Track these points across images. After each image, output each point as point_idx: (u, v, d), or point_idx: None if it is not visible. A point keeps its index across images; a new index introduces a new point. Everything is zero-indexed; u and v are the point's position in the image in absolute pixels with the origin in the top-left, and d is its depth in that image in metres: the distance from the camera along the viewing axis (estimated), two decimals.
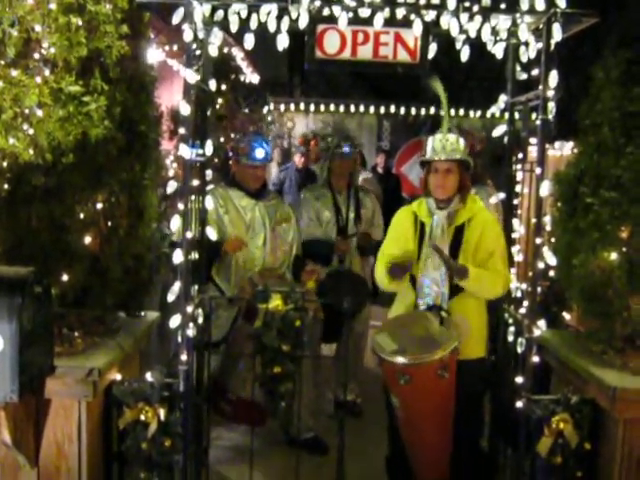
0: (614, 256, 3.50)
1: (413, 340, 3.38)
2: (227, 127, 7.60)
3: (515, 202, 3.87)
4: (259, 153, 4.43)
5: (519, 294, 3.70)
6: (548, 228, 3.74)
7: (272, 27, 3.30)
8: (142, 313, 3.93)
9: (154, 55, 3.87)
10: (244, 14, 3.30)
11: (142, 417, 3.30)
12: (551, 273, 3.99)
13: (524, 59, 3.49)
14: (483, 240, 3.50)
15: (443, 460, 3.56)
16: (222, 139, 7.32)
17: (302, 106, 11.26)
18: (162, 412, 3.30)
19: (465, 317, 3.46)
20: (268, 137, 7.51)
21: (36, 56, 3.20)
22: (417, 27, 3.31)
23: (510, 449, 3.60)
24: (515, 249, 3.76)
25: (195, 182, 3.38)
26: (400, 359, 3.29)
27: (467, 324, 3.47)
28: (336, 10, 3.27)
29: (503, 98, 3.79)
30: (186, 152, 3.25)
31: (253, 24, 3.29)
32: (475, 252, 3.50)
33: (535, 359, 3.36)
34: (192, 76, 3.28)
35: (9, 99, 3.12)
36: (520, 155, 3.82)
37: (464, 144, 3.56)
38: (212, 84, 3.60)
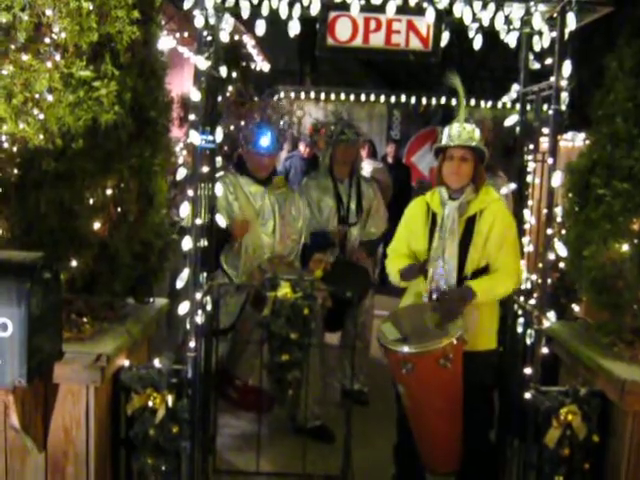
0: (625, 248, 3.47)
1: (417, 330, 3.38)
2: (240, 114, 7.58)
3: (526, 193, 3.84)
4: (264, 141, 4.43)
5: (529, 285, 3.68)
6: (559, 219, 3.72)
7: (284, 14, 3.29)
8: (151, 299, 3.93)
9: (165, 42, 3.85)
10: (255, 0, 3.29)
11: (150, 403, 3.31)
12: (561, 264, 3.97)
13: (537, 48, 3.45)
14: (493, 232, 3.48)
15: (452, 451, 3.56)
16: (232, 127, 7.31)
17: (312, 95, 11.22)
18: (170, 398, 3.30)
19: (474, 308, 3.45)
20: (279, 125, 7.45)
21: (47, 41, 3.19)
22: (430, 15, 3.28)
23: (518, 440, 3.59)
24: (525, 240, 3.74)
25: (205, 169, 3.37)
26: (402, 348, 3.29)
27: (476, 315, 3.45)
28: None
29: (515, 88, 3.76)
30: (196, 139, 3.25)
31: (264, 10, 3.28)
32: (485, 244, 3.48)
33: (544, 350, 3.35)
34: (203, 63, 3.26)
35: (19, 84, 3.12)
36: (531, 146, 3.79)
37: (480, 135, 3.54)
38: (223, 71, 3.58)
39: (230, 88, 7.34)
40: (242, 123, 7.16)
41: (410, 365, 3.26)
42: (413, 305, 3.61)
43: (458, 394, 3.40)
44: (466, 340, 3.32)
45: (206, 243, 3.47)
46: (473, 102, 10.79)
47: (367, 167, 7.48)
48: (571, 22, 3.18)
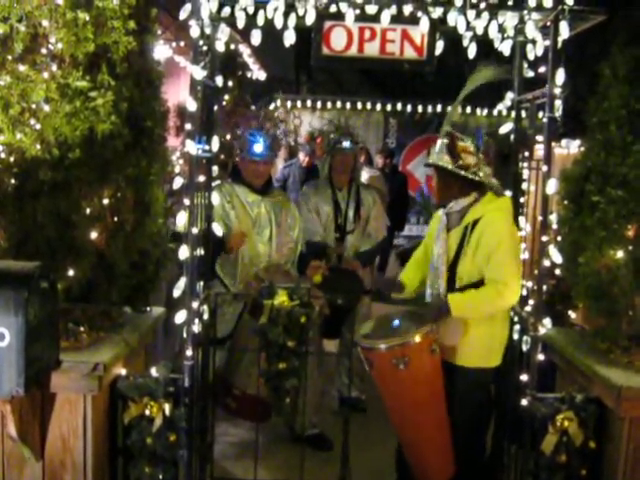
0: (620, 254, 3.49)
1: (386, 330, 3.46)
2: (236, 123, 7.61)
3: (522, 200, 3.85)
4: (257, 147, 4.44)
5: (525, 292, 3.69)
6: (554, 226, 3.73)
7: (279, 23, 3.30)
8: (148, 308, 3.94)
9: (162, 51, 3.87)
10: (251, 10, 3.31)
11: (147, 412, 3.31)
12: (557, 271, 3.98)
13: (531, 57, 3.48)
14: (481, 243, 3.43)
15: (434, 461, 3.55)
16: (228, 136, 7.33)
17: (309, 103, 11.26)
18: (167, 407, 3.31)
19: (455, 320, 3.44)
20: (276, 133, 7.46)
21: (43, 51, 3.21)
22: (424, 24, 3.30)
23: (514, 447, 3.60)
24: (521, 247, 3.75)
25: (201, 178, 3.38)
26: (360, 342, 3.42)
27: (456, 327, 3.44)
28: (343, 7, 3.28)
29: (510, 96, 3.78)
30: (192, 148, 3.26)
31: (260, 20, 3.30)
32: (474, 255, 3.46)
33: (540, 357, 3.35)
34: (199, 72, 3.28)
35: (16, 94, 3.14)
36: (527, 153, 3.81)
37: (443, 149, 3.54)
38: (219, 80, 3.60)
39: (226, 97, 7.36)
40: (238, 132, 7.19)
41: (369, 361, 3.39)
42: (401, 310, 3.67)
43: (422, 401, 3.41)
44: (435, 349, 3.33)
45: (203, 252, 3.47)
46: (469, 109, 10.83)
47: (364, 175, 7.49)
48: (564, 30, 3.20)
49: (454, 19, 3.27)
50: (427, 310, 3.47)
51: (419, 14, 3.30)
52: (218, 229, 3.69)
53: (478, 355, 3.53)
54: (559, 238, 3.84)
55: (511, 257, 3.43)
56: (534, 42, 3.41)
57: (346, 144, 5.14)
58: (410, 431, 3.53)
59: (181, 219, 3.30)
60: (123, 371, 3.41)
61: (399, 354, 3.28)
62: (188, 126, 3.29)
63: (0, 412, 3.00)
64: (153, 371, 3.39)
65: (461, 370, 3.44)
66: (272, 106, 10.58)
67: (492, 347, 3.57)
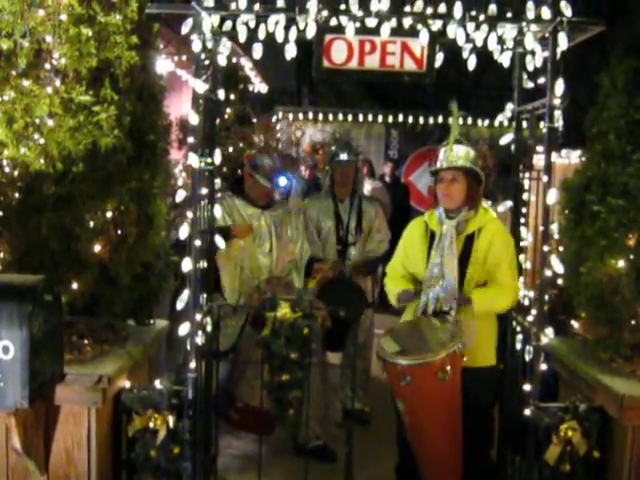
0: (621, 263, 3.50)
1: (415, 343, 3.40)
2: (245, 136, 7.64)
3: (523, 210, 3.86)
4: (282, 181, 4.49)
5: (527, 302, 3.70)
6: (556, 236, 3.74)
7: (280, 37, 3.33)
8: (151, 321, 3.95)
9: (164, 65, 3.91)
10: (252, 24, 3.33)
11: (151, 424, 3.32)
12: (559, 281, 3.99)
13: (530, 68, 3.50)
14: (491, 250, 3.50)
15: (452, 468, 3.55)
16: (231, 149, 7.36)
17: (310, 115, 11.29)
18: (171, 419, 3.32)
19: (472, 324, 3.47)
20: (277, 145, 7.52)
21: (47, 66, 3.25)
22: (424, 36, 3.33)
23: (518, 457, 3.59)
24: (522, 257, 3.76)
25: (204, 190, 3.40)
26: (400, 360, 3.31)
27: (474, 330, 3.47)
28: (343, 20, 3.30)
29: (510, 107, 3.80)
30: (195, 161, 3.28)
31: (261, 34, 3.32)
32: (483, 262, 3.50)
33: (543, 367, 3.35)
34: (201, 86, 3.31)
35: (20, 109, 3.17)
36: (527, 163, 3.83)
37: (473, 154, 3.57)
38: (221, 94, 3.62)
39: (228, 110, 7.40)
40: (241, 145, 7.22)
41: (409, 378, 3.27)
42: (413, 320, 3.63)
43: (457, 409, 3.41)
44: (464, 354, 3.33)
45: (206, 264, 3.48)
46: (470, 121, 10.86)
47: (366, 186, 7.52)
48: (563, 42, 3.22)
49: (453, 31, 3.29)
50: (449, 297, 3.46)
51: (419, 27, 3.32)
52: (220, 242, 3.70)
53: (487, 354, 3.57)
54: (561, 248, 3.85)
55: (514, 264, 3.57)
56: (533, 53, 3.43)
57: (344, 156, 5.15)
58: (435, 441, 3.51)
59: (184, 232, 3.32)
60: (127, 384, 3.42)
61: (445, 366, 3.25)
62: (190, 139, 3.31)
63: (4, 425, 3.01)
64: (157, 383, 3.39)
65: (473, 371, 3.44)
66: (274, 119, 10.63)
67: (493, 345, 3.62)
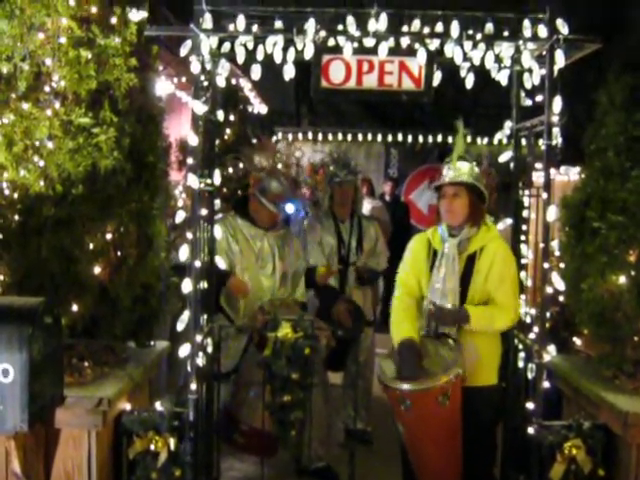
0: (622, 280, 3.49)
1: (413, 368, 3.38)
2: (250, 157, 7.65)
3: (523, 227, 3.86)
4: (289, 208, 4.49)
5: (528, 319, 3.68)
6: (557, 253, 3.74)
7: (278, 58, 3.35)
8: (152, 342, 3.94)
9: (163, 87, 3.92)
10: (250, 46, 3.36)
11: (152, 447, 3.30)
12: (560, 298, 3.98)
13: (528, 86, 3.52)
14: (493, 270, 3.47)
15: None
16: (230, 169, 7.37)
17: (310, 136, 11.32)
18: (172, 442, 3.30)
19: (474, 344, 3.45)
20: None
21: (47, 89, 3.26)
22: (421, 56, 3.35)
23: (522, 477, 3.56)
24: (523, 275, 3.75)
25: (203, 211, 3.40)
26: (400, 385, 3.28)
27: (476, 351, 3.45)
28: (341, 40, 3.32)
29: (508, 124, 3.82)
30: (194, 182, 3.28)
31: (259, 55, 3.35)
32: (485, 282, 3.48)
33: (545, 384, 3.34)
34: (200, 107, 3.32)
35: (20, 132, 3.17)
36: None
37: (477, 172, 3.57)
38: (220, 115, 3.64)
39: (228, 131, 7.42)
40: (241, 165, 7.23)
41: (409, 402, 3.25)
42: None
43: (457, 431, 3.38)
44: (465, 377, 3.31)
45: (206, 285, 3.48)
46: (469, 139, 10.89)
47: (366, 205, 7.52)
48: (560, 59, 3.24)
49: (451, 50, 3.31)
50: (447, 315, 3.43)
51: (416, 46, 3.34)
52: (221, 262, 3.70)
53: (488, 374, 3.54)
54: (561, 265, 3.84)
55: (516, 282, 3.53)
56: (531, 71, 3.45)
57: (343, 176, 5.16)
58: (435, 462, 3.48)
59: (184, 253, 3.31)
60: (127, 406, 3.40)
61: (445, 391, 3.24)
62: (190, 160, 3.32)
63: (4, 448, 2.99)
64: (157, 405, 3.37)
65: (475, 391, 3.42)
66: (274, 139, 10.65)
67: (495, 365, 3.59)
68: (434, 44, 3.35)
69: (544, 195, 3.32)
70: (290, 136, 11.18)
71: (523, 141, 3.82)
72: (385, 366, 3.43)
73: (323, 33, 3.30)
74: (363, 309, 5.14)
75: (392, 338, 3.55)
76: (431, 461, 3.46)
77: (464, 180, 3.50)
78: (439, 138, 11.11)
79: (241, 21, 3.28)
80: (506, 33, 3.31)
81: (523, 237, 3.78)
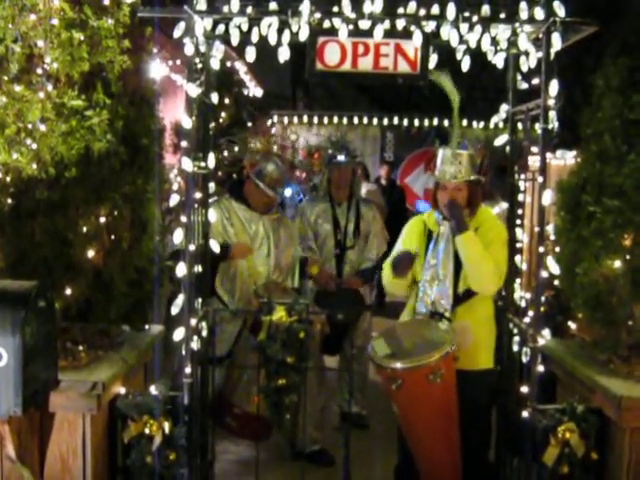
0: (617, 264, 3.49)
1: (408, 345, 3.40)
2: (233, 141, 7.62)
3: (519, 211, 3.86)
4: (287, 192, 4.48)
5: (523, 303, 3.69)
6: (552, 237, 3.73)
7: (273, 40, 3.32)
8: (146, 326, 3.93)
9: (158, 69, 3.88)
10: (245, 27, 3.32)
11: (147, 430, 3.29)
12: (555, 282, 3.98)
13: (524, 69, 3.50)
14: (484, 238, 3.50)
15: (450, 471, 3.54)
16: (226, 152, 7.34)
17: (305, 119, 11.28)
18: (167, 425, 3.29)
19: (469, 325, 3.45)
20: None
21: (39, 71, 3.23)
22: (417, 38, 3.32)
23: (516, 460, 3.58)
24: (518, 259, 3.75)
25: (197, 195, 3.38)
26: (390, 363, 3.30)
27: (471, 332, 3.46)
28: (336, 22, 3.29)
29: (504, 108, 3.79)
30: (188, 165, 3.26)
31: (254, 37, 3.31)
32: None
33: (540, 368, 3.34)
34: (194, 89, 3.29)
35: (12, 114, 3.14)
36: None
37: (474, 158, 3.56)
38: (214, 97, 3.61)
39: (223, 114, 7.38)
40: (236, 149, 7.20)
41: (399, 381, 3.27)
42: (408, 321, 3.63)
43: (451, 411, 3.40)
44: (457, 356, 3.32)
45: (201, 269, 3.47)
46: (465, 123, 10.85)
47: (362, 189, 7.50)
48: (556, 42, 3.22)
49: (447, 33, 3.28)
50: (458, 208, 3.47)
51: (412, 28, 3.31)
52: (216, 245, 3.69)
53: (484, 357, 3.58)
54: (557, 249, 3.83)
55: (504, 252, 3.57)
56: (527, 54, 3.43)
57: (342, 158, 5.14)
58: (430, 442, 3.50)
59: (178, 236, 3.30)
60: (122, 390, 3.40)
61: (436, 369, 3.25)
62: (184, 143, 3.29)
63: None
64: (152, 389, 3.37)
65: (471, 374, 3.43)
66: (269, 122, 10.61)
67: (491, 348, 3.62)
68: (430, 26, 3.32)
69: (540, 179, 3.31)
70: (285, 119, 11.14)
71: (519, 125, 3.80)
72: (376, 345, 3.45)
73: (318, 15, 3.27)
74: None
75: (385, 284, 3.69)
76: (424, 441, 3.49)
77: (466, 179, 3.51)
78: (435, 121, 11.09)
79: (235, 3, 3.24)
80: (502, 15, 3.28)
81: (518, 221, 3.78)
